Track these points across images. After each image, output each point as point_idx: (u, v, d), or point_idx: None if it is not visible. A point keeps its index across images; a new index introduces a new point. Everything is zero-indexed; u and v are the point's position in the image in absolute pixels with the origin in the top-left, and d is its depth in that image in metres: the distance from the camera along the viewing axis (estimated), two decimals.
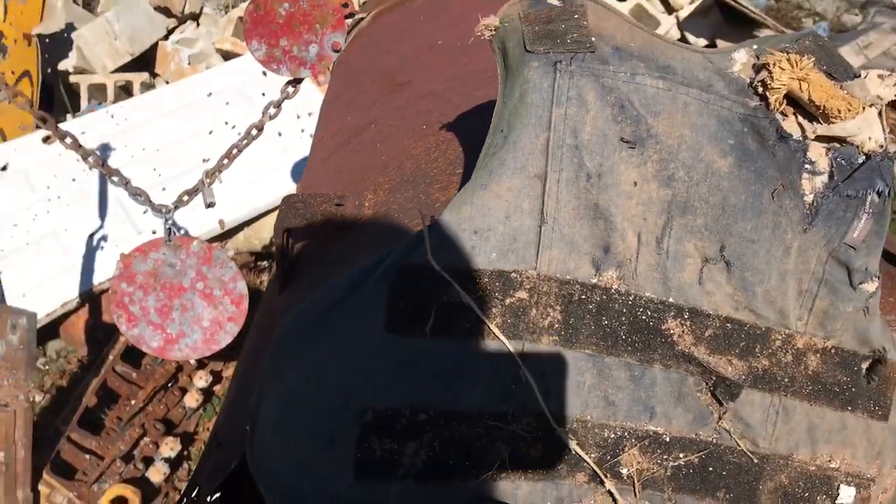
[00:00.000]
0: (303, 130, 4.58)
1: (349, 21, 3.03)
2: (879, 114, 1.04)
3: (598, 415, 1.03)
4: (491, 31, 1.10)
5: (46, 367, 4.15)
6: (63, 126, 4.67)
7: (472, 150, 1.31)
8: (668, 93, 1.08)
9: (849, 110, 1.01)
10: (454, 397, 1.00)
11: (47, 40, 5.20)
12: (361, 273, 1.01)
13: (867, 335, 1.13)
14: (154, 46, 5.38)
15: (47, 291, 3.98)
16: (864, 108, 1.03)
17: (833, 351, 1.12)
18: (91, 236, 4.14)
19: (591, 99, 1.06)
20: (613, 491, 1.01)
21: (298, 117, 4.53)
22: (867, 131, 1.02)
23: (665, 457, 1.05)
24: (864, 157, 1.08)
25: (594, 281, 1.05)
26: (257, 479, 0.97)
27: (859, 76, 1.09)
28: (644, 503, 1.03)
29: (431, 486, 0.99)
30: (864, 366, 1.15)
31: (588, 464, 1.01)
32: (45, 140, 4.47)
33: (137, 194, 2.84)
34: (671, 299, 1.07)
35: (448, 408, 0.99)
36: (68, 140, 2.76)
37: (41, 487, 2.97)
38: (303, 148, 4.52)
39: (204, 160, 4.42)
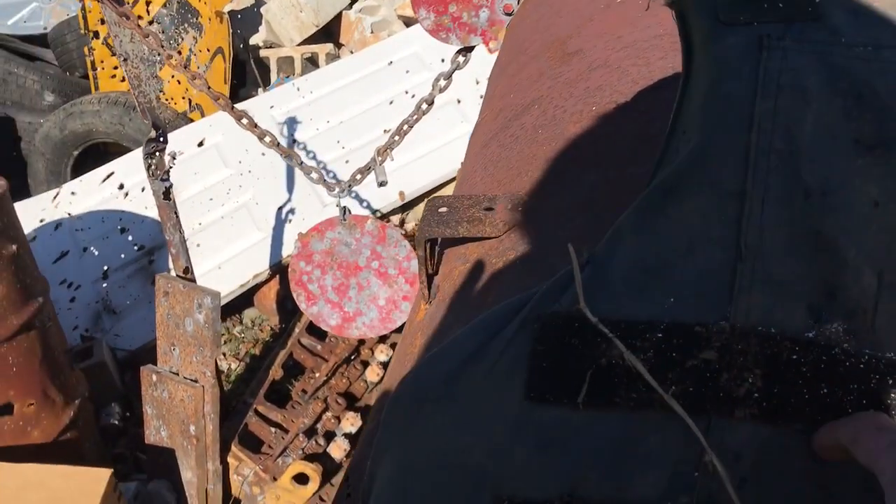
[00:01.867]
0: (481, 96, 4.42)
1: None
2: None
3: None
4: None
5: (242, 336, 4.34)
6: (253, 101, 4.83)
7: (649, 140, 1.08)
8: None
9: None
10: (618, 488, 0.77)
11: (239, 16, 5.37)
12: (497, 321, 0.81)
13: None
14: (338, 17, 5.42)
15: (240, 263, 4.14)
16: None
17: None
18: (280, 209, 4.24)
19: (814, 86, 0.77)
20: None
21: (478, 83, 4.38)
22: None
23: None
24: None
25: (811, 335, 0.78)
26: None
27: None
28: None
29: None
30: None
31: None
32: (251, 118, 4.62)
33: (310, 173, 2.82)
34: None
35: (611, 501, 0.77)
36: (244, 121, 2.76)
37: (230, 459, 3.07)
38: None
39: (385, 131, 4.39)
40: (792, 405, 0.77)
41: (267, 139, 2.74)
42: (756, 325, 0.77)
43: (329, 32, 5.48)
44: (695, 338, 0.78)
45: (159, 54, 2.66)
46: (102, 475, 2.48)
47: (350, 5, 5.50)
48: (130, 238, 4.31)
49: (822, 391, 0.77)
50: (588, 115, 1.26)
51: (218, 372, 2.91)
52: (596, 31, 1.63)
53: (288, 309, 4.25)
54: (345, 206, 2.81)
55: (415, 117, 2.68)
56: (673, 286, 0.79)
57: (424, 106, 2.67)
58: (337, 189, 2.79)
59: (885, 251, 0.78)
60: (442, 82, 2.63)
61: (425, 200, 4.19)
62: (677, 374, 0.77)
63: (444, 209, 1.12)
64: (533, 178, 1.18)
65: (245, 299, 4.32)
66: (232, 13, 5.22)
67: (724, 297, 0.78)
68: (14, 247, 2.72)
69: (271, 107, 4.57)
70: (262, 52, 5.32)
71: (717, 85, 0.79)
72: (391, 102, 4.49)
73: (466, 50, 2.60)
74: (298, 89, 4.63)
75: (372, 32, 5.29)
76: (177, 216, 2.98)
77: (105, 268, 4.24)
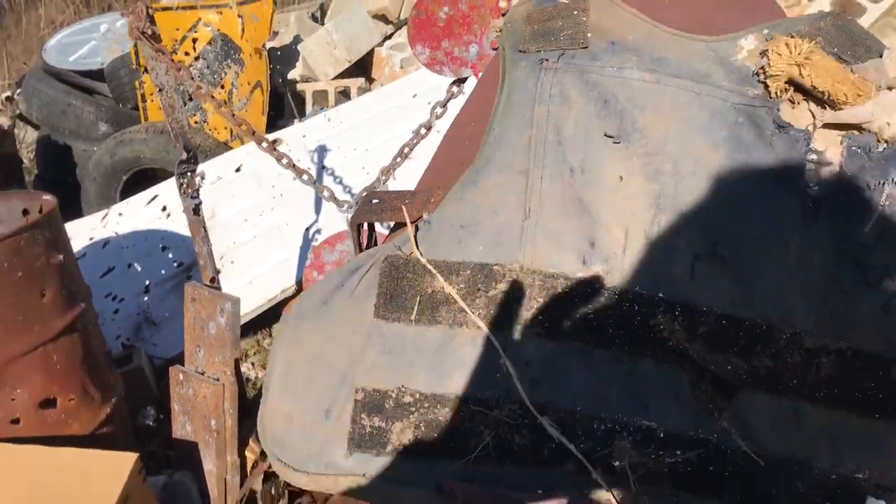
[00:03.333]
0: None
1: None
2: None
3: (587, 406, 1.02)
4: (497, 32, 1.14)
5: (270, 347, 4.63)
6: (287, 130, 5.18)
7: None
8: (657, 86, 1.03)
9: (858, 95, 0.92)
10: (439, 381, 1.04)
11: (279, 53, 5.76)
12: (358, 263, 1.09)
13: (891, 337, 1.00)
14: (371, 53, 5.77)
15: (269, 279, 4.45)
16: (877, 91, 0.93)
17: (850, 353, 1.02)
18: (307, 230, 4.56)
19: (574, 95, 1.04)
20: (600, 481, 1.01)
21: None
22: (885, 116, 0.92)
23: (661, 452, 1.01)
24: (883, 145, 0.98)
25: (580, 275, 1.04)
26: (263, 443, 1.10)
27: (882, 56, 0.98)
28: (644, 498, 1.02)
29: (418, 463, 1.05)
30: None
31: (573, 452, 1.02)
32: (273, 143, 4.98)
33: (322, 192, 3.11)
34: (661, 294, 1.03)
35: (433, 391, 1.03)
36: (264, 144, 3.08)
37: (247, 454, 3.34)
38: None
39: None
40: (568, 326, 1.03)
41: (284, 161, 3.05)
42: (539, 266, 1.04)
43: (362, 67, 5.84)
44: (493, 274, 1.05)
45: (189, 87, 2.99)
46: (129, 458, 2.73)
47: (381, 43, 5.86)
48: (171, 255, 4.65)
49: (589, 315, 1.03)
50: None
51: (238, 371, 3.18)
52: None
53: None
54: None
55: (415, 141, 2.97)
56: (481, 237, 1.06)
57: (423, 131, 2.95)
58: (345, 206, 3.08)
59: (629, 213, 1.05)
60: (438, 110, 2.91)
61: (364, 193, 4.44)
62: (482, 301, 1.04)
63: (375, 200, 1.40)
64: (448, 173, 1.46)
65: (275, 313, 4.62)
66: (272, 50, 5.61)
67: (515, 246, 1.05)
68: (61, 256, 3.01)
69: (304, 136, 4.91)
70: (299, 86, 5.69)
71: (510, 95, 1.08)
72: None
73: (460, 81, 2.88)
74: (329, 120, 4.97)
75: (401, 67, 5.63)
76: (205, 230, 3.29)
77: (147, 282, 4.57)
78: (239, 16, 5.34)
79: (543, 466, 1.04)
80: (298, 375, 1.08)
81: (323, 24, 6.50)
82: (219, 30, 5.33)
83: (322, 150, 4.82)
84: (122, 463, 2.74)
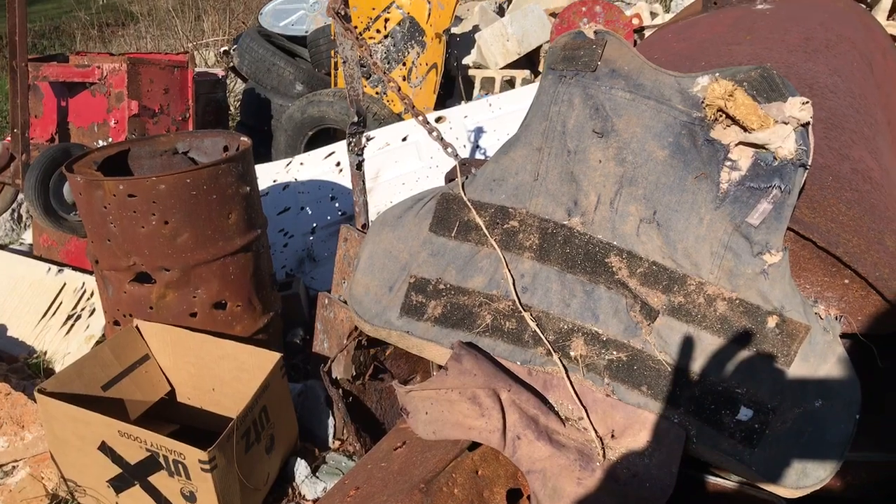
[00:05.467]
0: None
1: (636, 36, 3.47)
2: (805, 131, 1.31)
3: (557, 311, 1.48)
4: (544, 54, 1.61)
5: None
6: (452, 109, 5.73)
7: None
8: (632, 102, 1.47)
9: (761, 125, 1.30)
10: (463, 279, 1.55)
11: (458, 39, 6.33)
12: (424, 195, 1.62)
13: (767, 295, 1.38)
14: (539, 48, 6.22)
15: None
16: (775, 123, 1.30)
17: (738, 301, 1.40)
18: None
19: (577, 102, 1.51)
20: (558, 362, 1.46)
21: None
22: (778, 141, 1.30)
23: (602, 351, 1.45)
24: (777, 162, 1.35)
25: (564, 223, 1.51)
26: (349, 301, 1.64)
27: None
28: (589, 381, 1.47)
29: (442, 329, 1.56)
30: (771, 320, 1.39)
31: (543, 340, 1.48)
32: (437, 120, 5.55)
33: (463, 163, 3.63)
34: (615, 242, 1.46)
35: (458, 284, 1.55)
36: (420, 118, 3.63)
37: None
38: None
39: None
40: (552, 254, 1.51)
41: (434, 133, 3.58)
42: (539, 213, 1.51)
43: (531, 60, 6.30)
44: (508, 214, 1.54)
45: (367, 62, 3.57)
46: (274, 356, 3.33)
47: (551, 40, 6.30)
48: (337, 205, 5.28)
49: (566, 250, 1.49)
50: None
51: None
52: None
53: None
54: None
55: None
56: (504, 189, 1.56)
57: None
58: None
59: (602, 185, 1.50)
60: None
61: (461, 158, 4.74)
62: (499, 231, 1.54)
63: (465, 164, 1.91)
64: None
65: None
66: (452, 35, 6.18)
67: (525, 197, 1.54)
68: (248, 188, 3.64)
69: (465, 116, 5.44)
70: (470, 72, 6.24)
71: (538, 96, 1.56)
72: None
73: None
74: (490, 105, 5.47)
75: None
76: (363, 184, 3.89)
77: (314, 225, 5.21)
78: (427, 2, 5.95)
79: (522, 346, 1.52)
80: (376, 261, 1.63)
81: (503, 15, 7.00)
82: (408, 13, 5.95)
83: (479, 131, 5.32)
84: (269, 359, 3.35)
